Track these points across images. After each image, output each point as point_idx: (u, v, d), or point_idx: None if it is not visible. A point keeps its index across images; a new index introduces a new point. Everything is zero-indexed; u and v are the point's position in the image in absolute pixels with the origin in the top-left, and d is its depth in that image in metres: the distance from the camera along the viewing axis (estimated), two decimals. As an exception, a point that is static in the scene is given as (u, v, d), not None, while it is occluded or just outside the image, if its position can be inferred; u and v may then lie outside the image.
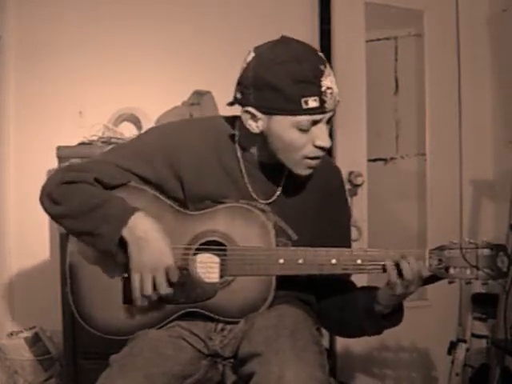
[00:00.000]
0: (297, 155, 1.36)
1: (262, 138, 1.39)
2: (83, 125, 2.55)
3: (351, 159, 2.74)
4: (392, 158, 3.17)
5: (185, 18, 2.72)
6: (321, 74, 1.30)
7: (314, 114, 1.31)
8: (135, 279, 1.34)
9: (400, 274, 1.32)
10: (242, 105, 1.36)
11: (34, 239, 2.61)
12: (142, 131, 2.19)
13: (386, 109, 3.13)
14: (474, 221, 2.92)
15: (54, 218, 1.45)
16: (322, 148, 1.35)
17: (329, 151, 2.70)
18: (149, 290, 1.34)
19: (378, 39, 3.11)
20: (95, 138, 2.34)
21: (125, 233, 1.34)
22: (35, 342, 2.40)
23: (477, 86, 2.95)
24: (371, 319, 1.43)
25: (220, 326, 1.42)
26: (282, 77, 1.29)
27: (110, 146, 1.76)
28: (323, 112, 1.32)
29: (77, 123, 2.63)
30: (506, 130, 2.88)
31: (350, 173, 2.71)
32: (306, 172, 1.40)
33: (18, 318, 2.62)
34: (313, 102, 1.30)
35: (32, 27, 2.63)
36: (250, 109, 1.34)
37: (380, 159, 3.14)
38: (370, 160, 2.88)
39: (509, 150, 2.84)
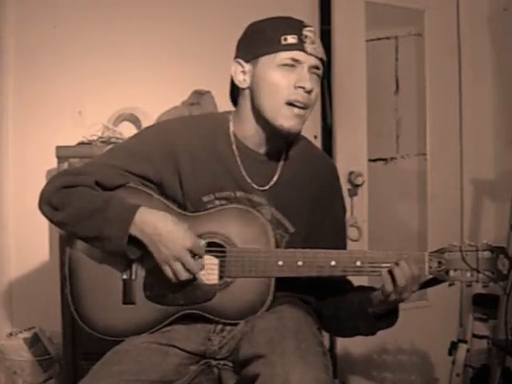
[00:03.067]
0: (280, 99, 1.38)
1: (250, 98, 1.43)
2: (83, 125, 2.55)
3: (351, 159, 2.73)
4: (392, 158, 3.16)
5: (184, 17, 2.71)
6: (303, 26, 1.40)
7: (293, 49, 1.37)
8: (166, 270, 1.36)
9: (393, 280, 1.31)
10: (234, 59, 1.45)
11: (33, 240, 2.60)
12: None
13: (386, 109, 3.11)
14: (475, 220, 2.91)
15: (57, 224, 1.44)
16: (302, 88, 1.37)
17: (329, 151, 2.75)
18: (182, 275, 1.35)
19: (379, 39, 3.09)
20: (95, 137, 2.33)
21: (134, 232, 1.35)
22: (34, 342, 2.40)
23: (477, 86, 2.95)
24: (365, 320, 1.43)
25: (219, 326, 1.42)
26: (267, 25, 1.42)
27: (110, 146, 1.76)
28: (302, 50, 1.37)
29: (76, 123, 2.62)
30: (507, 130, 2.88)
31: (350, 173, 2.70)
32: (289, 124, 1.39)
33: (18, 319, 2.61)
34: (292, 39, 1.37)
35: (31, 27, 2.63)
36: (238, 59, 1.44)
37: (380, 159, 3.13)
38: (370, 160, 2.86)
39: (509, 150, 2.84)
